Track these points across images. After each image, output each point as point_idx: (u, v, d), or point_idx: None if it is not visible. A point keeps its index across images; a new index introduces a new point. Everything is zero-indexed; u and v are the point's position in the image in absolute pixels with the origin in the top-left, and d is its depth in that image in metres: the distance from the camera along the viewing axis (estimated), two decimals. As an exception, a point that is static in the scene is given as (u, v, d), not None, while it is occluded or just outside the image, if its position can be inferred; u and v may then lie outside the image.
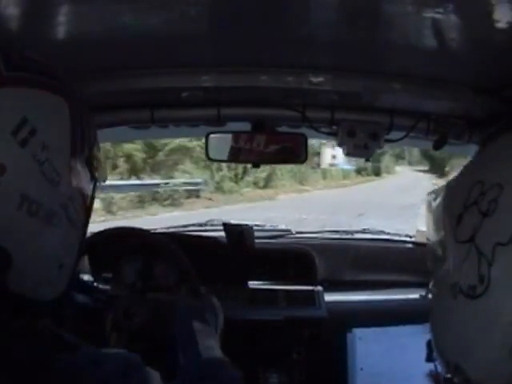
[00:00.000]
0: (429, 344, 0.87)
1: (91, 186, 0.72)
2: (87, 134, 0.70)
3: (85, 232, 0.73)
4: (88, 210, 0.72)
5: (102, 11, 0.85)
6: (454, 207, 0.74)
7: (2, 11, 0.80)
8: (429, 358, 0.91)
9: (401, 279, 1.76)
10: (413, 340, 1.15)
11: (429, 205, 0.91)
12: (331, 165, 26.84)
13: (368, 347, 1.13)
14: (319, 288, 1.67)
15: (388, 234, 1.98)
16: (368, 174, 30.37)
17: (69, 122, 0.65)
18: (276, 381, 1.62)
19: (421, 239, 1.85)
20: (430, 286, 0.84)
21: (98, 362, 0.59)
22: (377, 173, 30.69)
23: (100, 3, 0.83)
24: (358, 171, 29.69)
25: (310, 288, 1.67)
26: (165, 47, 1.05)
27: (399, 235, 1.97)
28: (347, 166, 27.02)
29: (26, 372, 0.54)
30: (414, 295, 1.69)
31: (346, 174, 27.03)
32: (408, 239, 1.92)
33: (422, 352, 1.13)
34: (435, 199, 0.88)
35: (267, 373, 1.61)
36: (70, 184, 0.65)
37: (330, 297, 1.63)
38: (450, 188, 0.83)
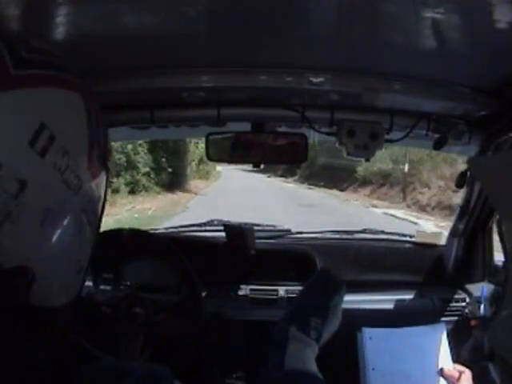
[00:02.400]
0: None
1: (105, 186, 0.67)
2: (102, 131, 0.65)
3: (98, 232, 0.68)
4: (102, 211, 0.68)
5: (102, 11, 0.85)
6: None
7: (2, 11, 0.81)
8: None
9: (401, 279, 1.75)
10: (423, 340, 1.16)
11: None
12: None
13: (378, 347, 1.13)
14: None
15: (388, 234, 1.98)
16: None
17: (85, 120, 0.59)
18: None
19: (421, 239, 1.85)
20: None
21: (122, 373, 0.56)
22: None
23: (100, 3, 0.83)
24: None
25: None
26: (165, 47, 1.05)
27: (399, 235, 1.97)
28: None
29: (45, 383, 0.52)
30: (414, 295, 1.70)
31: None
32: (408, 239, 1.92)
33: (434, 351, 1.13)
34: None
35: None
36: (90, 187, 0.61)
37: None
38: None
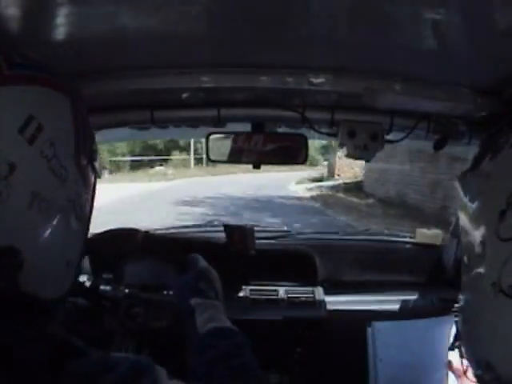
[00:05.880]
0: (456, 336, 0.90)
1: (94, 182, 0.73)
2: (88, 131, 0.71)
3: (88, 229, 0.73)
4: (91, 207, 0.73)
5: (102, 11, 0.85)
6: (496, 203, 0.72)
7: (2, 11, 0.81)
8: (452, 347, 0.93)
9: (401, 280, 1.76)
10: (430, 333, 1.16)
11: (463, 199, 0.89)
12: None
13: (387, 339, 1.14)
14: (319, 288, 1.67)
15: (388, 234, 1.98)
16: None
17: (72, 118, 0.65)
18: (277, 381, 1.62)
19: (421, 239, 1.85)
20: (463, 284, 0.82)
21: (108, 367, 0.56)
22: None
23: (100, 3, 0.83)
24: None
25: (310, 288, 1.67)
26: (165, 47, 1.05)
27: (399, 235, 1.97)
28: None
29: (32, 377, 0.53)
30: (414, 296, 1.70)
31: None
32: (408, 240, 1.92)
33: (441, 344, 1.14)
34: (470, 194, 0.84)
35: (268, 373, 1.61)
36: (76, 180, 0.66)
37: (330, 297, 1.64)
38: (490, 183, 0.81)
